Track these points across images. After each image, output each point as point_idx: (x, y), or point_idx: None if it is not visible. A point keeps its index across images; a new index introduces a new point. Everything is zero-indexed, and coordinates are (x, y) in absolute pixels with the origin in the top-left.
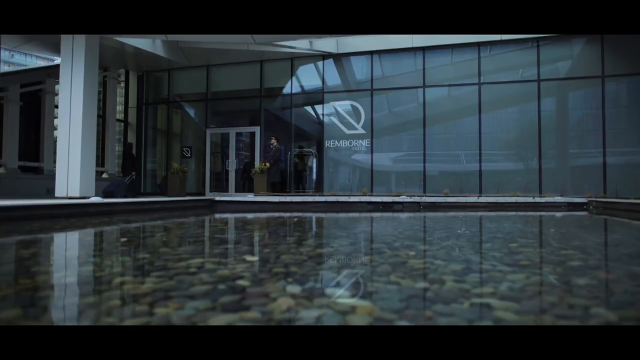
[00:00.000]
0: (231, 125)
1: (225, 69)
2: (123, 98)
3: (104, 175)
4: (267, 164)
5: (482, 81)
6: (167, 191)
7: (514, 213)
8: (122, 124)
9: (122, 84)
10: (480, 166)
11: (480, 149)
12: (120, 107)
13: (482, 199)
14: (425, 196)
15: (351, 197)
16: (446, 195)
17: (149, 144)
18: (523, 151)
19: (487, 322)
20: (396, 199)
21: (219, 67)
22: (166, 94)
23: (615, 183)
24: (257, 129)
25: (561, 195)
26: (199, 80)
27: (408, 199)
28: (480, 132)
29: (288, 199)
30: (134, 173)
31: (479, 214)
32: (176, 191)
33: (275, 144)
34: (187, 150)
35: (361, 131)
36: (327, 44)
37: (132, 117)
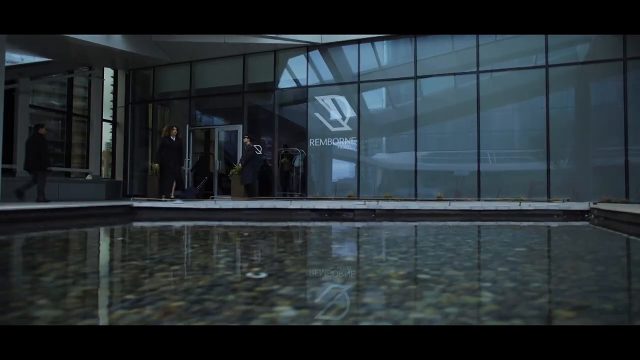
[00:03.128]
0: (215, 123)
1: (208, 65)
2: (113, 97)
3: (88, 177)
4: (240, 165)
5: (480, 69)
6: (146, 193)
7: (491, 223)
8: (112, 124)
9: (105, 83)
10: (478, 166)
11: (478, 147)
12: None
13: (454, 206)
14: (385, 201)
15: (293, 202)
16: (439, 199)
17: (136, 143)
18: (529, 149)
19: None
20: (346, 205)
21: (202, 62)
22: (151, 92)
23: (639, 185)
24: (239, 127)
25: (568, 200)
26: (182, 78)
27: (361, 206)
28: (478, 128)
29: (217, 205)
30: (206, 177)
31: (439, 224)
32: (155, 193)
33: (249, 143)
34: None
35: (347, 128)
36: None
37: (121, 117)
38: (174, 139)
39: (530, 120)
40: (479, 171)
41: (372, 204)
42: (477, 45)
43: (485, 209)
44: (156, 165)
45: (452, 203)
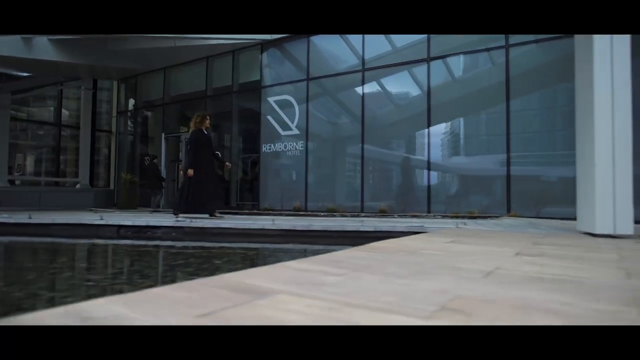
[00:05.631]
0: (184, 130)
1: (178, 71)
2: (109, 107)
3: (78, 187)
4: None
5: (431, 55)
6: (118, 204)
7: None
8: (108, 133)
9: (99, 93)
10: (428, 175)
11: (429, 153)
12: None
13: (278, 224)
14: (199, 220)
15: (105, 217)
16: (382, 213)
17: (125, 152)
18: (489, 152)
19: None
20: (153, 222)
21: (173, 69)
22: (136, 100)
23: None
24: None
25: (509, 216)
26: (158, 85)
27: (168, 223)
28: (428, 127)
29: (28, 220)
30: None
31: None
32: (126, 203)
33: None
34: (147, 158)
35: (295, 132)
36: None
37: (115, 126)
38: (206, 133)
39: (487, 119)
40: (429, 181)
41: (183, 222)
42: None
43: (311, 229)
44: (190, 171)
45: (276, 221)
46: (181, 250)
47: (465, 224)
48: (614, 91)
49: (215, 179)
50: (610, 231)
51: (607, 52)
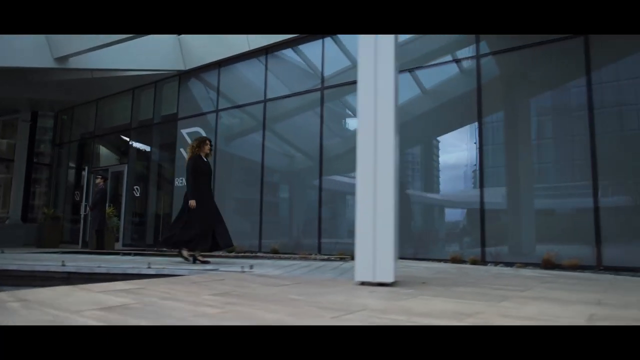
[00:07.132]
0: (111, 163)
1: (108, 102)
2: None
3: (7, 222)
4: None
5: (325, 85)
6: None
7: None
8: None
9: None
10: (319, 213)
11: (320, 188)
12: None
13: (66, 266)
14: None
15: None
16: (274, 252)
17: (62, 186)
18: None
19: None
20: None
21: (105, 100)
22: (72, 133)
23: (497, 239)
24: (124, 168)
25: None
26: (92, 117)
27: None
28: (321, 161)
29: None
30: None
31: None
32: (49, 240)
33: (101, 184)
34: (77, 193)
35: None
36: (173, 60)
37: (53, 158)
38: (206, 160)
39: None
40: (320, 221)
41: None
42: (323, 51)
43: (94, 271)
44: (192, 202)
45: (66, 262)
46: None
47: (293, 264)
48: (377, 115)
49: (213, 212)
50: (369, 278)
51: (370, 61)
